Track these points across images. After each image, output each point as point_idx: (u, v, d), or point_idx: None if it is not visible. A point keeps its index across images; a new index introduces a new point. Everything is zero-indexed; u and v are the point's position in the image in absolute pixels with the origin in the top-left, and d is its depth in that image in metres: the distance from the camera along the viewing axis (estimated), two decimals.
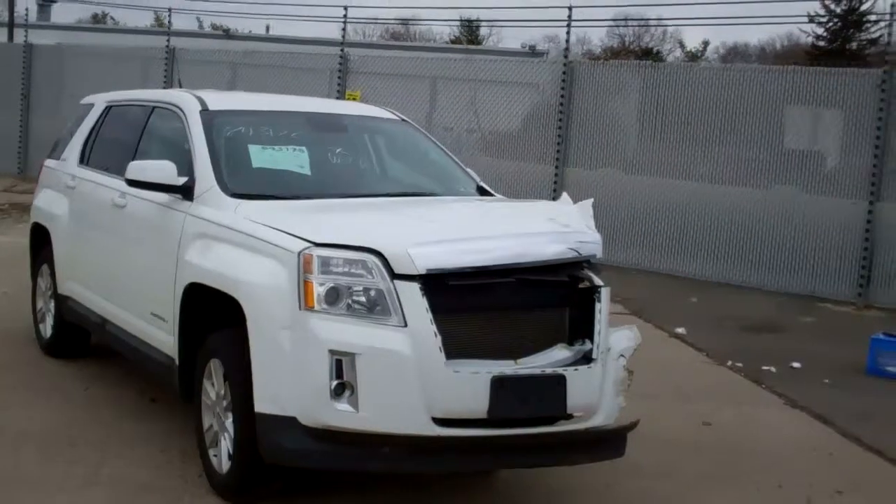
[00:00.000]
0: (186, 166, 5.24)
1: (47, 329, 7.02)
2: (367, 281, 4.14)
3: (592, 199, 5.05)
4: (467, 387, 4.13)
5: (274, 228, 4.46)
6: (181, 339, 4.95)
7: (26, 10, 25.12)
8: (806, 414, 6.80)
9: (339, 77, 14.75)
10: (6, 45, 23.99)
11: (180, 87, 6.80)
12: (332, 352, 4.09)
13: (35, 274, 7.30)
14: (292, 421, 4.14)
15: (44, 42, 19.55)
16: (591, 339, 4.43)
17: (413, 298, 4.11)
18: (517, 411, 4.23)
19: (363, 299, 4.15)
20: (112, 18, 48.11)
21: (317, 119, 6.03)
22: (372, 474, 4.50)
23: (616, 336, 4.58)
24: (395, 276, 4.13)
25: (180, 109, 5.64)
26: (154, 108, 6.12)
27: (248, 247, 4.51)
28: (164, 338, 5.13)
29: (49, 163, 7.35)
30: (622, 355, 4.53)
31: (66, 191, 6.75)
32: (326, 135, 5.88)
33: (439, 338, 4.09)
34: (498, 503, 4.94)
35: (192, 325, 4.91)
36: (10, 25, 28.14)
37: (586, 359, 4.40)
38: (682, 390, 7.15)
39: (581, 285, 4.53)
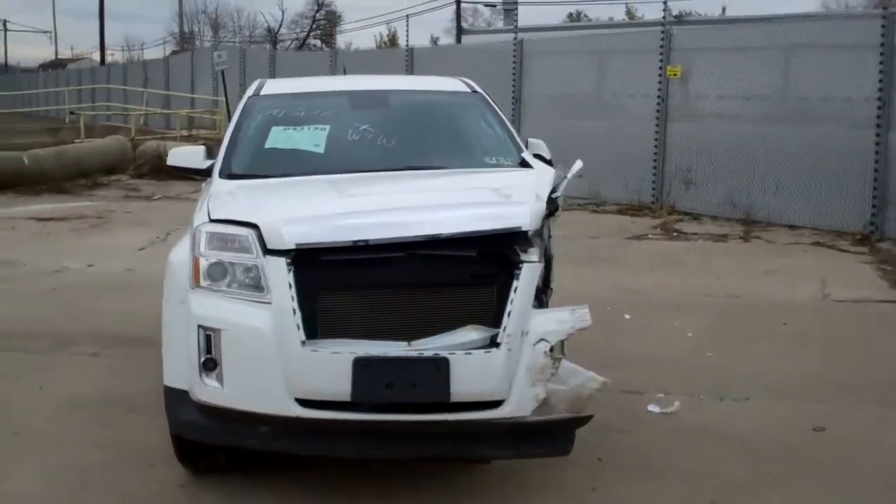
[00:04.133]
0: None
1: None
2: (245, 257, 4.09)
3: (580, 164, 4.73)
4: (327, 367, 3.88)
5: (203, 208, 4.45)
6: None
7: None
8: None
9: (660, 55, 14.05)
10: None
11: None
12: (201, 327, 4.06)
13: None
14: (185, 395, 4.15)
15: None
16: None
17: (279, 274, 3.99)
18: (383, 395, 3.89)
19: (242, 276, 4.09)
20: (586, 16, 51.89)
21: (358, 97, 6.10)
22: (275, 453, 4.25)
23: (541, 318, 4.07)
24: (267, 251, 4.04)
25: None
26: None
27: (189, 227, 4.48)
28: None
29: None
30: (543, 340, 4.02)
31: None
32: (362, 112, 5.83)
33: (298, 315, 3.92)
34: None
35: None
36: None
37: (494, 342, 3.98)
38: None
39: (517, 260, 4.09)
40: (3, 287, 8.81)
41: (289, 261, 3.99)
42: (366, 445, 4.02)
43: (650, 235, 12.03)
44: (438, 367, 3.88)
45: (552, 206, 4.47)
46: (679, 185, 13.73)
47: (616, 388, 5.78)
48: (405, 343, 3.98)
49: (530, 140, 5.95)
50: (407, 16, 23.94)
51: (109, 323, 7.32)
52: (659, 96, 13.93)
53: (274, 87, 6.16)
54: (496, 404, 3.97)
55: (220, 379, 4.02)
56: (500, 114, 5.91)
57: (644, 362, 6.46)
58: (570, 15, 56.13)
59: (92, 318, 7.54)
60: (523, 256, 4.11)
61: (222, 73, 23.38)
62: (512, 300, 4.00)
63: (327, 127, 5.52)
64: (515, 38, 16.78)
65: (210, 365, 4.03)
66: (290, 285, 3.95)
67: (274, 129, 5.55)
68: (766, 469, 4.72)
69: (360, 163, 5.31)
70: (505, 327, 3.96)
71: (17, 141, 22.52)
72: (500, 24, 30.94)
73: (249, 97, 5.91)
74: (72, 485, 4.53)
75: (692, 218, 13.11)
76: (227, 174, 5.22)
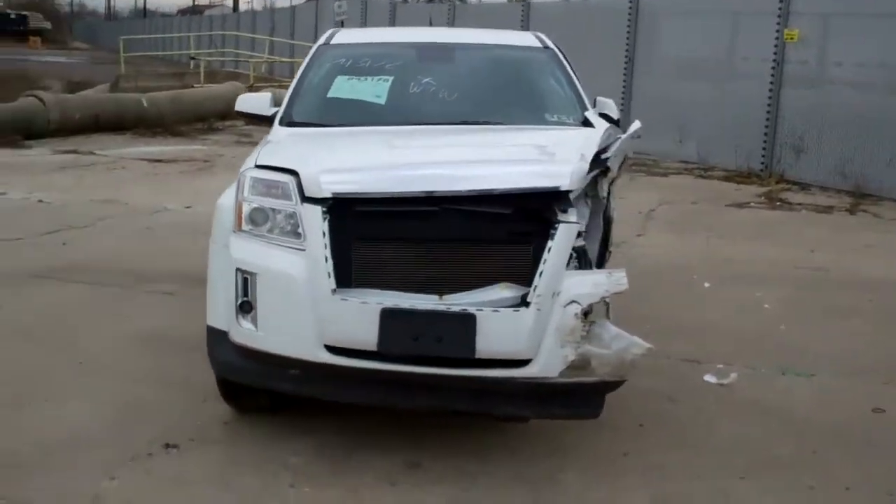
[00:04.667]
0: None
1: None
2: (285, 203, 4.14)
3: (637, 124, 4.64)
4: (356, 316, 3.92)
5: (254, 154, 4.53)
6: None
7: None
8: None
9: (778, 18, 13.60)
10: None
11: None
12: (239, 270, 4.16)
13: None
14: (225, 336, 4.26)
15: None
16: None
17: (315, 221, 4.04)
18: (409, 348, 3.90)
19: (282, 222, 4.15)
20: None
21: (426, 49, 6.10)
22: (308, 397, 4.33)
23: (574, 280, 3.99)
24: (305, 198, 4.09)
25: None
26: None
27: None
28: None
29: None
30: (575, 301, 3.94)
31: None
32: (427, 64, 5.84)
33: (330, 263, 3.96)
34: None
35: None
36: None
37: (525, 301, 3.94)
38: None
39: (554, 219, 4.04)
40: (100, 225, 9.16)
41: (325, 209, 4.03)
42: (391, 395, 4.07)
43: (752, 204, 11.68)
44: (465, 323, 3.88)
45: (601, 167, 4.39)
46: (790, 152, 13.27)
47: (676, 357, 5.77)
48: (436, 297, 3.99)
49: (598, 99, 5.84)
50: None
51: (193, 264, 7.52)
52: (774, 60, 13.44)
53: (345, 36, 6.20)
54: (523, 363, 3.95)
55: (254, 321, 4.11)
56: (570, 71, 5.81)
57: (712, 332, 6.34)
58: None
59: (177, 257, 7.78)
60: (561, 216, 4.06)
61: (342, 23, 23.61)
62: (545, 260, 3.96)
63: (391, 78, 5.53)
64: None
65: (246, 308, 4.12)
66: (324, 233, 4.00)
67: (338, 78, 5.61)
68: (809, 447, 4.58)
69: (418, 115, 5.31)
70: (535, 287, 3.92)
71: (145, 84, 23.25)
72: None
73: (320, 46, 5.98)
74: (121, 414, 4.71)
75: (800, 188, 12.68)
76: (287, 122, 5.33)
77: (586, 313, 4.15)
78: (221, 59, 35.30)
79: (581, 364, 4.07)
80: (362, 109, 5.40)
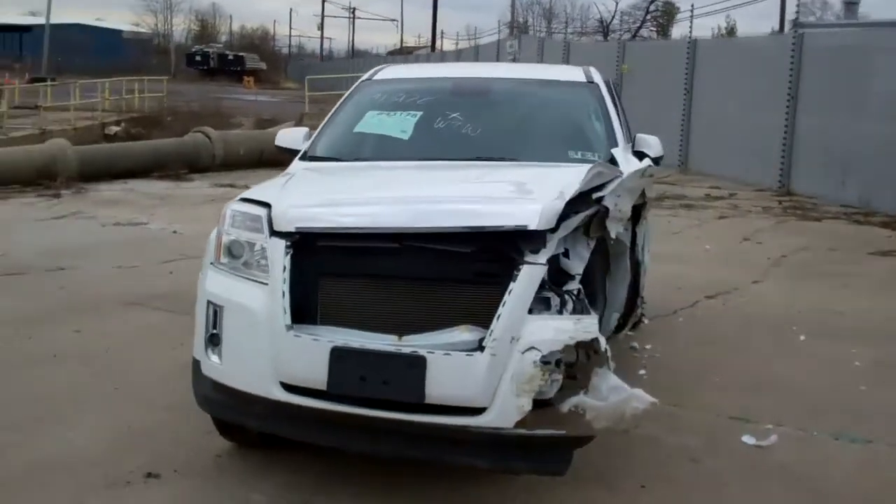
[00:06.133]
0: None
1: None
2: (257, 237, 4.14)
3: (646, 162, 4.39)
4: (307, 354, 3.82)
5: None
6: None
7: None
8: None
9: None
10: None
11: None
12: (210, 303, 4.18)
13: None
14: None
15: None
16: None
17: (278, 255, 4.00)
18: (356, 389, 3.76)
19: (253, 255, 4.15)
20: None
21: (462, 84, 6.07)
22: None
23: (536, 325, 3.73)
24: (273, 232, 4.08)
25: None
26: None
27: None
28: None
29: None
30: (534, 348, 3.69)
31: None
32: (460, 100, 5.79)
33: (286, 298, 3.89)
34: None
35: None
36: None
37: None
38: None
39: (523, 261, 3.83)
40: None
41: (289, 244, 4.00)
42: (346, 438, 3.94)
43: None
44: (413, 366, 3.72)
45: (591, 206, 4.15)
46: None
47: (725, 413, 5.38)
48: (395, 337, 3.87)
49: (639, 136, 5.55)
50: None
51: None
52: None
53: (389, 72, 6.22)
54: (478, 411, 3.75)
55: (220, 355, 4.11)
56: (610, 106, 5.56)
57: (781, 388, 5.88)
58: None
59: None
60: (529, 257, 3.86)
61: (514, 60, 23.81)
62: (504, 303, 3.75)
63: (419, 114, 5.48)
64: (795, 32, 15.67)
65: (215, 340, 4.13)
66: (284, 268, 3.95)
67: (368, 113, 5.62)
68: None
69: (436, 151, 5.23)
70: (492, 331, 3.72)
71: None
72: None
73: (362, 81, 6.00)
74: (124, 440, 4.79)
75: None
76: (308, 156, 5.39)
77: (570, 364, 3.95)
78: None
79: (572, 415, 3.87)
80: (384, 145, 5.37)
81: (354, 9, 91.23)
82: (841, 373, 6.25)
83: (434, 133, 5.40)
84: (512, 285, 3.77)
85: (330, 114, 5.74)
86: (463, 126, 5.42)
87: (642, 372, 6.16)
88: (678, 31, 65.08)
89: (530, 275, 3.81)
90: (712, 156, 17.88)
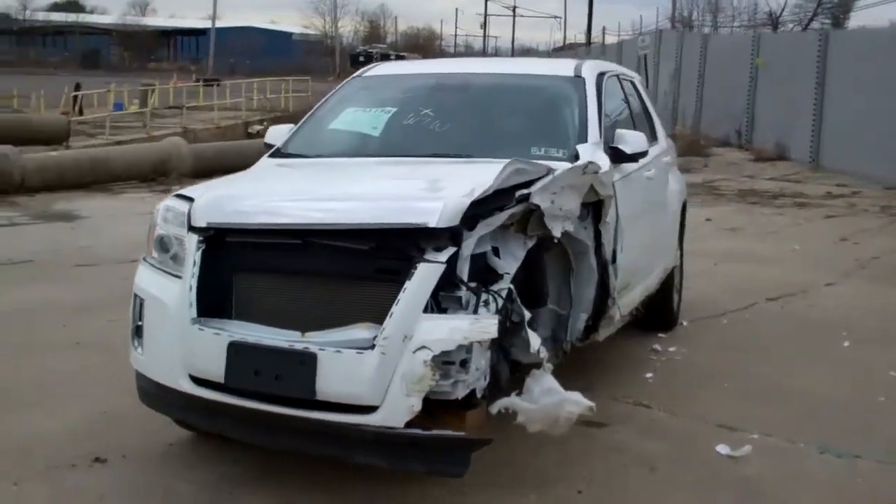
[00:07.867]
0: None
1: None
2: (180, 232, 4.19)
3: (581, 163, 4.26)
4: (209, 347, 3.87)
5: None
6: None
7: None
8: None
9: None
10: None
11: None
12: (136, 295, 4.32)
13: None
14: None
15: None
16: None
17: (191, 250, 4.08)
18: (250, 383, 3.78)
19: (175, 249, 4.22)
20: None
21: (445, 80, 5.93)
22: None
23: (430, 324, 3.63)
24: (190, 227, 4.13)
25: None
26: None
27: None
28: None
29: None
30: (425, 348, 3.58)
31: None
32: (438, 96, 5.66)
33: (193, 292, 3.97)
34: None
35: None
36: None
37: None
38: None
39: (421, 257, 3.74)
40: None
41: (200, 238, 4.06)
42: (247, 431, 3.98)
43: None
44: (304, 362, 3.70)
45: (513, 202, 4.02)
46: None
47: (714, 421, 5.12)
48: (300, 333, 3.85)
49: (618, 132, 5.29)
50: None
51: None
52: None
53: (381, 69, 6.17)
54: (371, 409, 3.69)
55: (143, 347, 4.22)
56: (592, 101, 5.34)
57: (797, 397, 5.57)
58: None
59: None
60: (429, 255, 3.76)
61: (645, 56, 23.28)
62: (398, 301, 3.68)
63: (393, 110, 5.41)
64: None
65: (139, 332, 4.25)
66: (194, 262, 4.03)
67: (347, 109, 5.58)
68: None
69: (395, 148, 5.17)
70: (384, 329, 3.66)
71: None
72: None
73: (353, 77, 5.96)
74: (88, 424, 4.93)
75: None
76: (280, 153, 5.39)
77: (530, 367, 4.00)
78: None
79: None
80: (353, 142, 5.37)
81: (515, 7, 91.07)
82: (868, 383, 5.84)
83: (401, 130, 5.34)
84: (407, 283, 3.70)
85: (311, 111, 5.74)
86: (432, 123, 5.33)
87: (649, 375, 5.94)
88: (855, 21, 61.96)
89: (425, 273, 3.72)
90: (845, 152, 16.97)
